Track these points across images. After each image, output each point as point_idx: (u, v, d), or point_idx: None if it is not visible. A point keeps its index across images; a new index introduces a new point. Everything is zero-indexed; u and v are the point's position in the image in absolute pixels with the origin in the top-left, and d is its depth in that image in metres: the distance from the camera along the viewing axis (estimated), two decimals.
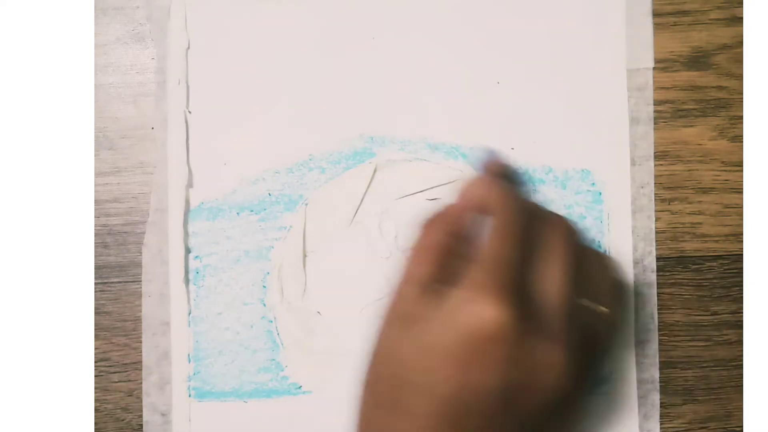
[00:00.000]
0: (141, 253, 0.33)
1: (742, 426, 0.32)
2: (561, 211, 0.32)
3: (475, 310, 0.24)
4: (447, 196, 0.32)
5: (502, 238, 0.25)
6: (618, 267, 0.28)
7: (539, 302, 0.25)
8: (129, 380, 0.33)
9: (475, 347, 0.24)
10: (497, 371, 0.24)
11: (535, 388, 0.24)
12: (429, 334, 0.24)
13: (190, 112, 0.33)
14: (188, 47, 0.33)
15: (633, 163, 0.32)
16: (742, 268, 0.32)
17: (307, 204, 0.33)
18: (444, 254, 0.26)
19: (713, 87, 0.33)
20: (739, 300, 0.32)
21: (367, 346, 0.26)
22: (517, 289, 0.24)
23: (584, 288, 0.26)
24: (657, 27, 0.33)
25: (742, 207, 0.32)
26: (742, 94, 0.33)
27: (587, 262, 0.27)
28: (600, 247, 0.32)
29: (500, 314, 0.24)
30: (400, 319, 0.26)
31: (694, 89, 0.33)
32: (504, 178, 0.29)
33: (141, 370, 0.33)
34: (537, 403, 0.24)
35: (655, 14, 0.33)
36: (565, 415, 0.26)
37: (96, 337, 0.33)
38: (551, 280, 0.25)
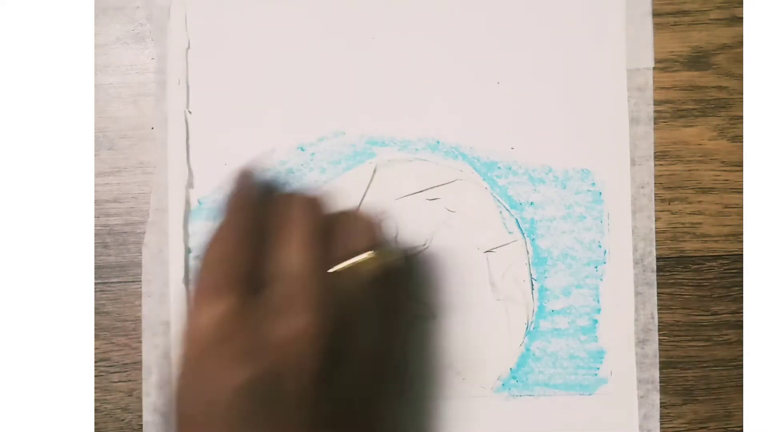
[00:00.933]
0: (141, 253, 0.33)
1: (742, 426, 0.32)
2: (561, 211, 0.32)
3: (199, 314, 0.24)
4: (447, 196, 0.32)
5: (214, 239, 0.25)
6: (371, 214, 0.27)
7: (281, 281, 0.24)
8: (129, 380, 0.33)
9: (213, 348, 0.24)
10: (245, 362, 0.23)
11: (292, 361, 0.24)
12: (183, 346, 0.25)
13: (190, 112, 0.33)
14: (188, 47, 0.33)
15: (633, 163, 0.32)
16: (742, 268, 0.32)
17: None
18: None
19: (713, 87, 0.33)
20: (739, 300, 0.32)
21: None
22: (241, 278, 0.24)
23: (339, 250, 0.26)
24: (657, 27, 0.33)
25: (742, 207, 0.32)
26: (742, 94, 0.33)
27: (339, 225, 0.26)
28: (600, 246, 0.32)
29: (220, 309, 0.24)
30: (182, 339, 0.26)
31: (694, 89, 0.33)
32: (238, 180, 0.28)
33: (141, 370, 0.33)
34: (304, 374, 0.24)
35: (655, 14, 0.33)
36: (353, 372, 0.25)
37: (96, 337, 0.33)
38: (288, 256, 0.25)
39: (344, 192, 0.33)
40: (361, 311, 0.26)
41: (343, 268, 0.25)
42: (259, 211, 0.26)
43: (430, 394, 0.32)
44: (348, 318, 0.25)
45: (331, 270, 0.25)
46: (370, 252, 0.26)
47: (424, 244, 0.32)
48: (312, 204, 0.26)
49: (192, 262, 0.33)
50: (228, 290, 0.24)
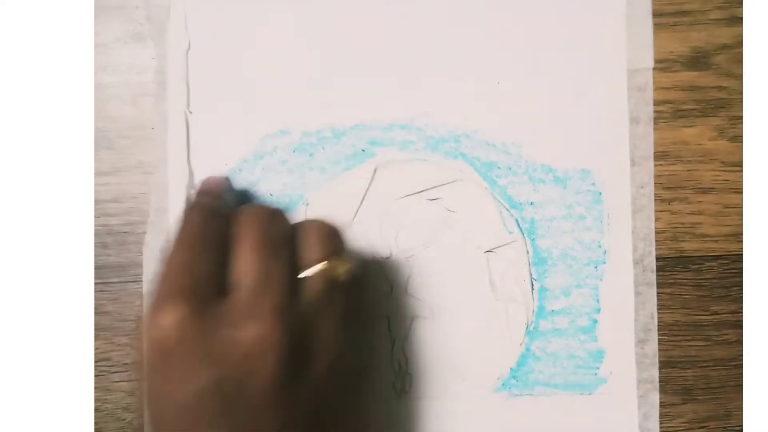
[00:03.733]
0: (141, 253, 0.33)
1: (742, 426, 0.32)
2: (561, 211, 0.32)
3: (154, 320, 0.24)
4: (447, 196, 0.32)
5: (171, 247, 0.26)
6: (322, 224, 0.28)
7: (240, 289, 0.25)
8: (129, 380, 0.33)
9: (167, 355, 0.24)
10: (202, 368, 0.24)
11: (255, 368, 0.24)
12: (144, 354, 0.25)
13: (190, 112, 0.33)
14: (188, 47, 0.33)
15: (633, 163, 0.32)
16: (742, 268, 0.32)
17: (307, 204, 0.33)
18: None
19: (713, 87, 0.33)
20: (739, 300, 0.32)
21: None
22: (193, 290, 0.24)
23: (300, 259, 0.26)
24: (657, 27, 0.33)
25: (742, 207, 0.32)
26: (742, 94, 0.33)
27: (296, 235, 0.27)
28: (600, 246, 0.32)
29: (174, 315, 0.24)
30: None
31: (694, 89, 0.33)
32: (199, 194, 0.29)
33: (141, 368, 0.32)
34: (266, 381, 0.24)
35: (655, 14, 0.33)
36: (321, 386, 0.25)
37: (96, 337, 0.33)
38: (243, 265, 0.25)
39: (344, 192, 0.33)
40: (323, 318, 0.26)
41: (308, 275, 0.26)
42: (220, 221, 0.26)
43: (430, 394, 0.32)
44: (310, 324, 0.25)
45: (299, 276, 0.26)
46: (324, 262, 0.26)
47: (424, 244, 0.32)
48: (272, 215, 0.27)
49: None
50: (187, 296, 0.24)
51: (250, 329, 0.24)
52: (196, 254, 0.25)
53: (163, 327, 0.24)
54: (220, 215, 0.27)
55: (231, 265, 0.25)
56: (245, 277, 0.25)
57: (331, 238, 0.27)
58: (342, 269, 0.27)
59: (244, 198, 0.29)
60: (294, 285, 0.25)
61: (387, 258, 0.33)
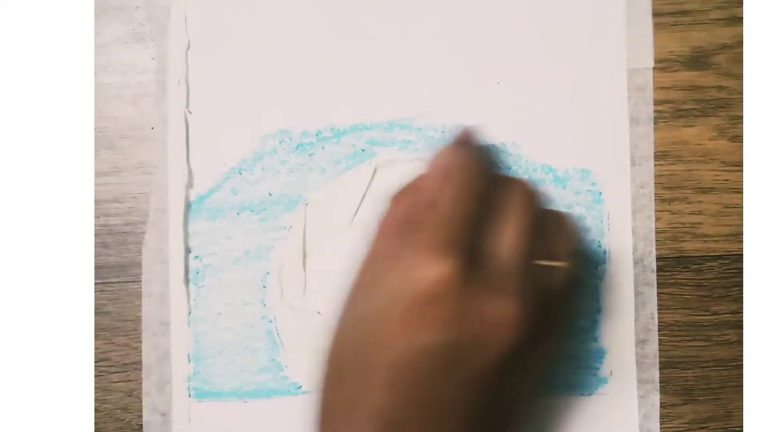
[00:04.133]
0: (141, 253, 0.33)
1: (742, 426, 0.32)
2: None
3: (419, 268, 0.24)
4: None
5: (452, 198, 0.25)
6: (576, 223, 0.28)
7: (494, 260, 0.25)
8: (129, 380, 0.33)
9: (419, 307, 0.24)
10: (443, 328, 0.24)
11: (488, 341, 0.24)
12: (383, 298, 0.24)
13: (190, 112, 0.33)
14: (188, 47, 0.33)
15: (633, 163, 0.32)
16: (742, 268, 0.32)
17: (307, 204, 0.33)
18: (410, 223, 0.26)
19: (713, 87, 0.33)
20: (739, 300, 0.32)
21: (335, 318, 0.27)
22: (466, 246, 0.24)
23: (544, 247, 0.26)
24: (657, 27, 0.33)
25: (742, 207, 0.32)
26: (742, 94, 0.33)
27: (547, 223, 0.27)
28: (600, 246, 0.32)
29: (443, 270, 0.23)
30: (364, 289, 0.26)
31: (694, 89, 0.33)
32: (471, 146, 0.29)
33: (141, 370, 0.33)
34: (491, 357, 0.24)
35: (655, 14, 0.33)
36: (524, 370, 0.26)
37: (96, 337, 0.33)
38: (506, 239, 0.25)
39: (344, 192, 0.33)
40: (552, 312, 0.26)
41: (547, 265, 0.26)
42: (490, 183, 0.26)
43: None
44: (543, 315, 0.25)
45: (538, 263, 0.26)
46: (565, 262, 0.26)
47: None
48: (533, 195, 0.27)
49: (193, 262, 0.33)
50: (459, 253, 0.24)
51: (497, 304, 0.24)
52: (473, 212, 0.25)
53: (430, 277, 0.23)
54: (491, 177, 0.26)
55: (491, 232, 0.25)
56: (506, 250, 0.25)
57: (576, 241, 0.27)
58: (569, 272, 0.27)
59: (496, 159, 0.29)
60: (538, 271, 0.26)
61: None
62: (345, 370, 0.25)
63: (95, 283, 0.33)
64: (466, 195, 0.25)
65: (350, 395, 0.24)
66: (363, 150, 0.33)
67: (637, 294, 0.32)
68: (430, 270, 0.24)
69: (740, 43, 0.33)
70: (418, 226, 0.25)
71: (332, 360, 0.26)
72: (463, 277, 0.24)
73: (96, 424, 0.33)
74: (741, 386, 0.32)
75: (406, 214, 0.26)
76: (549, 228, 0.27)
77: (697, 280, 0.33)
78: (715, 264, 0.33)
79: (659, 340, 0.32)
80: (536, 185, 0.27)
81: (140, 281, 0.33)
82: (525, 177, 0.28)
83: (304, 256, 0.33)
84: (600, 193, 0.32)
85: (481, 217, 0.25)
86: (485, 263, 0.25)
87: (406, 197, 0.27)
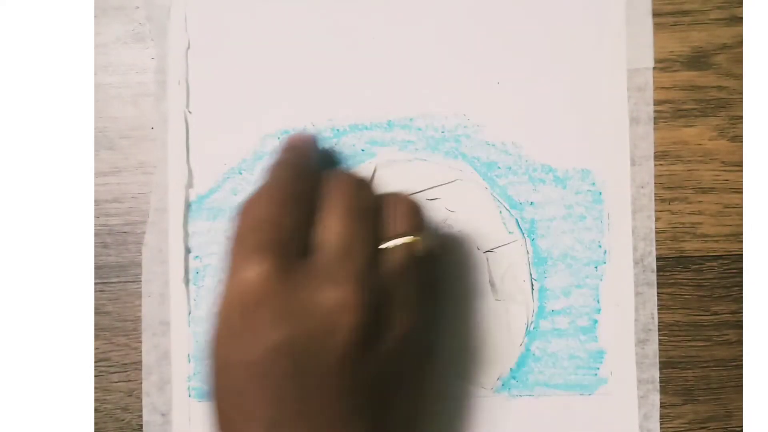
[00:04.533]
0: (141, 253, 0.33)
1: (742, 426, 0.32)
2: (561, 211, 0.32)
3: (237, 274, 0.24)
4: (447, 196, 0.32)
5: (255, 201, 0.25)
6: (415, 199, 0.28)
7: (324, 251, 0.25)
8: (129, 380, 0.33)
9: (251, 309, 0.24)
10: (282, 324, 0.24)
11: (334, 329, 0.24)
12: (222, 309, 0.25)
13: (190, 112, 0.33)
14: (188, 47, 0.33)
15: (633, 163, 0.32)
16: (742, 268, 0.32)
17: None
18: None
19: (713, 87, 0.33)
20: (739, 300, 0.32)
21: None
22: (282, 243, 0.24)
23: (383, 230, 0.26)
24: (657, 27, 0.33)
25: (742, 207, 0.32)
26: (742, 94, 0.33)
27: (381, 206, 0.27)
28: (600, 246, 0.32)
29: (260, 270, 0.24)
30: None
31: (694, 89, 0.33)
32: (291, 151, 0.29)
33: (141, 370, 0.33)
34: (342, 344, 0.24)
35: (655, 14, 0.33)
36: (387, 357, 0.25)
37: (96, 337, 0.33)
38: (331, 228, 0.25)
39: None
40: (402, 290, 0.26)
41: (390, 246, 0.26)
42: (308, 180, 0.26)
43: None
44: (387, 295, 0.25)
45: (381, 246, 0.26)
46: (414, 236, 0.26)
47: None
48: (360, 183, 0.27)
49: (193, 262, 0.33)
50: (272, 251, 0.24)
51: (331, 292, 0.24)
52: (284, 210, 0.25)
53: (247, 281, 0.24)
54: (308, 174, 0.27)
55: (315, 226, 0.25)
56: (330, 239, 0.25)
57: (415, 213, 0.27)
58: (422, 245, 0.27)
59: (327, 158, 0.29)
60: (375, 254, 0.26)
61: None
62: (221, 384, 0.25)
63: (95, 283, 0.33)
64: (275, 197, 0.25)
65: (233, 404, 0.24)
66: (363, 150, 0.33)
67: (637, 294, 0.32)
68: (246, 272, 0.24)
69: (740, 43, 0.33)
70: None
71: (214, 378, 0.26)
72: (285, 272, 0.24)
73: (96, 424, 0.33)
74: (741, 386, 0.32)
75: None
76: (388, 210, 0.27)
77: (697, 280, 0.33)
78: (715, 264, 0.33)
79: (659, 340, 0.32)
80: (358, 174, 0.27)
81: (140, 281, 0.33)
82: (349, 168, 0.28)
83: None
84: (600, 193, 0.32)
85: (303, 213, 0.25)
86: (315, 255, 0.25)
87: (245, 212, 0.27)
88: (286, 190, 0.26)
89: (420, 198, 0.28)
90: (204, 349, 0.26)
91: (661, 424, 0.32)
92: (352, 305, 0.24)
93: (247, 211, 0.25)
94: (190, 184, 0.33)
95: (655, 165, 0.32)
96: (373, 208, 0.27)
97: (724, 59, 0.33)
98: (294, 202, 0.25)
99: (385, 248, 0.26)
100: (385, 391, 0.26)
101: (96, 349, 0.33)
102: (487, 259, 0.33)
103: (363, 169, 0.33)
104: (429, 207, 0.33)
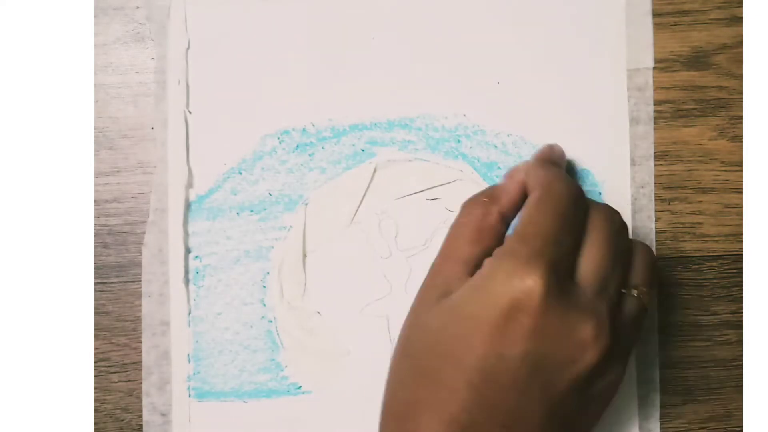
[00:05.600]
0: (141, 253, 0.33)
1: (742, 426, 0.32)
2: None
3: (514, 279, 0.24)
4: (447, 196, 0.32)
5: (541, 211, 0.25)
6: (653, 255, 0.28)
7: (580, 281, 0.25)
8: (129, 380, 0.33)
9: (509, 317, 0.24)
10: (530, 340, 0.24)
11: (574, 360, 0.24)
12: (465, 305, 0.25)
13: (190, 112, 0.33)
14: (188, 47, 0.33)
15: (633, 163, 0.32)
16: (742, 268, 0.32)
17: (307, 204, 0.33)
18: (483, 230, 0.26)
19: (713, 87, 0.33)
20: (739, 300, 0.32)
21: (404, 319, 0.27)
22: (557, 262, 0.24)
23: (625, 276, 0.27)
24: (657, 27, 0.33)
25: (742, 207, 0.32)
26: (742, 94, 0.33)
27: (628, 252, 0.27)
28: None
29: (536, 283, 0.24)
30: (438, 293, 0.26)
31: (694, 89, 0.33)
32: (552, 163, 0.29)
33: (141, 370, 0.33)
34: (573, 377, 0.24)
35: (655, 14, 0.33)
36: (594, 397, 0.26)
37: (96, 337, 0.33)
38: (592, 262, 0.25)
39: (344, 192, 0.33)
40: (626, 339, 0.26)
41: (633, 294, 0.27)
42: (582, 205, 0.26)
43: None
44: (618, 341, 0.25)
45: (623, 290, 0.26)
46: (650, 290, 0.27)
47: (424, 244, 0.32)
48: (622, 224, 0.27)
49: (193, 262, 0.33)
50: (554, 268, 0.24)
51: (587, 323, 0.24)
52: (565, 229, 0.25)
53: (524, 289, 0.24)
54: (583, 199, 0.27)
55: (578, 255, 0.25)
56: (593, 271, 0.25)
57: (655, 268, 0.28)
58: (653, 301, 0.27)
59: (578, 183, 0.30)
60: (620, 298, 0.26)
61: (387, 258, 0.33)
62: (429, 367, 0.25)
63: (95, 283, 0.33)
64: (551, 209, 0.25)
65: (431, 392, 0.25)
66: (363, 150, 0.33)
67: None
68: (523, 282, 0.24)
69: (740, 43, 0.33)
70: (494, 235, 0.26)
71: (413, 354, 0.26)
72: (553, 292, 0.24)
73: (96, 424, 0.33)
74: (741, 386, 0.32)
75: (479, 222, 0.27)
76: (629, 257, 0.27)
77: (697, 280, 0.33)
78: (715, 264, 0.33)
79: (659, 340, 0.32)
80: (618, 213, 0.27)
81: (140, 281, 0.33)
82: (607, 203, 0.28)
83: (304, 256, 0.33)
84: (600, 193, 0.32)
85: (569, 237, 0.25)
86: (572, 282, 0.25)
87: (479, 203, 0.27)
88: (568, 209, 0.26)
89: (654, 256, 0.28)
90: (417, 315, 0.27)
91: (661, 424, 0.32)
92: (602, 342, 0.24)
93: (531, 214, 0.25)
94: (190, 184, 0.33)
95: (655, 165, 0.32)
96: (627, 252, 0.27)
97: (724, 59, 0.33)
98: (572, 224, 0.25)
99: (624, 294, 0.26)
100: (574, 429, 0.26)
101: (96, 349, 0.33)
102: None
103: (363, 169, 0.33)
104: (431, 208, 0.33)
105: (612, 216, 0.27)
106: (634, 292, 0.27)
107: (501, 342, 0.24)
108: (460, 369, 0.24)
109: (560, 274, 0.24)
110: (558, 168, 0.28)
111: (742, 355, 0.32)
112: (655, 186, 0.32)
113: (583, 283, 0.25)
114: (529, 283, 0.24)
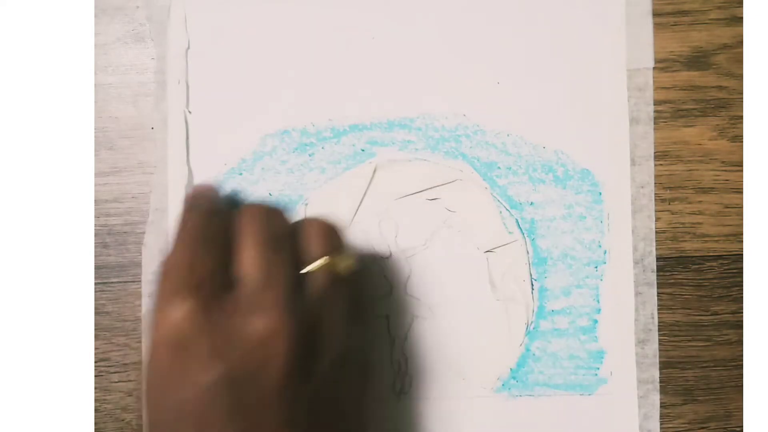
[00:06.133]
0: (141, 253, 0.33)
1: (742, 426, 0.32)
2: (561, 211, 0.32)
3: (162, 315, 0.24)
4: (447, 196, 0.32)
5: (172, 244, 0.25)
6: (322, 222, 0.28)
7: (246, 283, 0.25)
8: (129, 380, 0.33)
9: (181, 349, 0.24)
10: (215, 360, 0.24)
11: (267, 356, 0.24)
12: (150, 351, 0.25)
13: (190, 112, 0.33)
14: (188, 47, 0.33)
15: (633, 163, 0.32)
16: (742, 268, 0.32)
17: (307, 204, 0.33)
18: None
19: (713, 87, 0.33)
20: (739, 300, 0.32)
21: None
22: (199, 284, 0.24)
23: (301, 256, 0.26)
24: (657, 27, 0.33)
25: (742, 207, 0.32)
26: (742, 94, 0.33)
27: (296, 233, 0.27)
28: (600, 246, 0.32)
29: (182, 309, 0.24)
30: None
31: (694, 89, 0.33)
32: (201, 199, 0.28)
33: (141, 370, 0.33)
34: (279, 369, 0.24)
35: (655, 14, 0.33)
36: (340, 366, 0.26)
37: (96, 337, 0.33)
38: (248, 260, 0.25)
39: (344, 192, 0.33)
40: (329, 313, 0.26)
41: (310, 270, 0.26)
42: (220, 218, 0.26)
43: (430, 394, 0.32)
44: (315, 318, 0.25)
45: (301, 271, 0.26)
46: (325, 258, 0.26)
47: (423, 244, 0.32)
48: (272, 212, 0.27)
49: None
50: (193, 291, 0.24)
51: (258, 321, 0.24)
52: (198, 252, 0.25)
53: (172, 322, 0.24)
54: (219, 213, 0.27)
55: (234, 262, 0.25)
56: (249, 271, 0.25)
57: (331, 234, 0.27)
58: (343, 265, 0.27)
59: (235, 200, 0.29)
60: (297, 280, 0.26)
61: (387, 258, 0.33)
62: (157, 429, 0.25)
63: (95, 283, 0.33)
64: (191, 238, 0.25)
65: None
66: (363, 150, 0.33)
67: (637, 294, 0.32)
68: (169, 315, 0.24)
69: (740, 43, 0.33)
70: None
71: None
72: (207, 310, 0.24)
73: (96, 424, 0.33)
74: (741, 386, 0.32)
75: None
76: (301, 235, 0.27)
77: (697, 280, 0.33)
78: (715, 264, 0.33)
79: (659, 340, 0.32)
80: (269, 203, 0.27)
81: (140, 281, 0.33)
82: (268, 200, 0.28)
83: None
84: (600, 193, 0.32)
85: (218, 251, 0.25)
86: (237, 289, 0.25)
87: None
88: (196, 232, 0.26)
89: (335, 219, 0.28)
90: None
91: (661, 424, 0.32)
92: (280, 331, 0.24)
93: (165, 259, 0.25)
94: (190, 184, 0.33)
95: (655, 165, 0.32)
96: (288, 235, 0.27)
97: (724, 59, 0.33)
98: (205, 242, 0.25)
99: (307, 273, 0.26)
100: (324, 416, 0.26)
101: (96, 349, 0.33)
102: (487, 259, 0.33)
103: (363, 169, 0.33)
104: (431, 208, 0.33)
105: (255, 209, 0.27)
106: (314, 265, 0.26)
107: (192, 376, 0.24)
108: (181, 413, 0.24)
109: (211, 291, 0.24)
110: (191, 201, 0.28)
111: (742, 355, 0.32)
112: (655, 186, 0.32)
113: (242, 286, 0.25)
114: (177, 311, 0.24)
